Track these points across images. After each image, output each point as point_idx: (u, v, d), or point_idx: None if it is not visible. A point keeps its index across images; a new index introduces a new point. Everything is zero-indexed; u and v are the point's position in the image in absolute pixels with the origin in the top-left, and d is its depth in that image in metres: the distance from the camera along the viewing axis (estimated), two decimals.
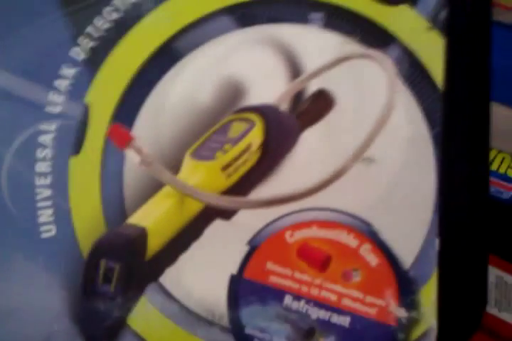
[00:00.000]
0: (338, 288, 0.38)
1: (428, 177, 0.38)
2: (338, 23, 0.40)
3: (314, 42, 0.40)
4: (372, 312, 0.37)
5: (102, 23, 0.40)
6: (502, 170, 0.64)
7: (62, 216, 0.39)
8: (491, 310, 0.54)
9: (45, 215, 0.39)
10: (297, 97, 0.40)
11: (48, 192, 0.39)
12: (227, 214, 0.39)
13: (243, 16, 0.40)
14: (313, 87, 0.40)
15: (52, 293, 0.39)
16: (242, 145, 0.39)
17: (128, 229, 0.38)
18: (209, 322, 0.38)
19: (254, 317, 0.38)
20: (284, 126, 0.39)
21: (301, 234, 0.38)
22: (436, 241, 0.37)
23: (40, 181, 0.39)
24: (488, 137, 0.40)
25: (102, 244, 0.38)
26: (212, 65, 0.40)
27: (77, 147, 0.39)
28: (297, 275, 0.38)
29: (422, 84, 0.39)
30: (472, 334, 0.39)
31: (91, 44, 0.40)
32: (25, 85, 0.39)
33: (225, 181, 0.38)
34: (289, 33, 0.40)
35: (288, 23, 0.40)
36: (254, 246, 0.38)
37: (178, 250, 0.39)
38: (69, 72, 0.39)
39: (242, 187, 0.39)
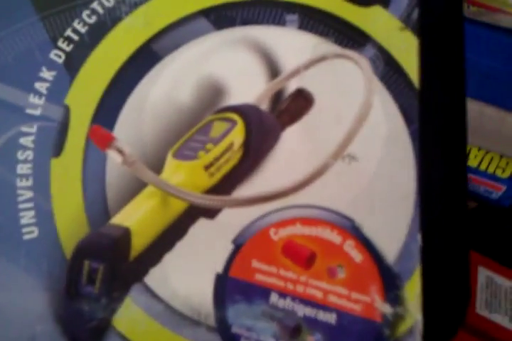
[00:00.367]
0: (324, 284, 0.38)
1: (408, 173, 0.38)
2: (313, 24, 0.40)
3: (291, 43, 0.40)
4: (357, 308, 0.38)
5: (81, 26, 0.40)
6: (491, 170, 0.65)
7: (45, 217, 0.39)
8: (482, 311, 0.54)
9: (27, 217, 0.39)
10: (276, 97, 0.40)
11: (29, 194, 0.39)
12: (211, 213, 0.39)
13: (219, 19, 0.40)
14: (291, 86, 0.40)
15: (36, 295, 0.38)
16: (223, 144, 0.39)
17: (111, 229, 0.38)
18: (195, 322, 0.38)
19: (240, 315, 0.38)
20: (265, 125, 0.39)
21: (285, 232, 0.38)
22: (419, 236, 0.37)
23: (21, 183, 0.39)
24: (465, 132, 0.41)
25: (85, 244, 0.38)
26: (191, 66, 0.40)
27: (58, 148, 0.39)
28: (282, 272, 0.38)
29: (398, 83, 0.39)
30: (457, 328, 0.40)
31: (70, 47, 0.40)
32: (6, 88, 0.39)
33: (208, 180, 0.39)
34: (266, 34, 0.40)
35: (264, 25, 0.40)
36: (239, 245, 0.38)
37: (163, 250, 0.39)
38: (49, 74, 0.40)
39: (225, 185, 0.39)
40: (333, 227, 0.38)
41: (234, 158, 0.39)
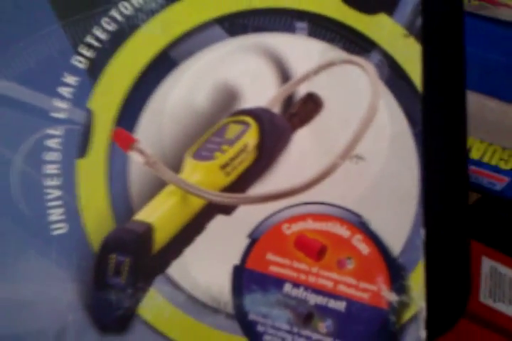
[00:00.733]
0: (334, 275, 0.40)
1: (412, 172, 0.40)
2: (322, 32, 0.42)
3: (300, 50, 0.42)
4: (365, 296, 0.40)
5: (100, 33, 0.41)
6: (493, 162, 0.66)
7: (72, 214, 0.41)
8: (486, 300, 0.55)
9: (56, 214, 0.41)
10: (287, 101, 0.42)
11: (57, 193, 0.41)
12: (227, 209, 0.41)
13: (232, 26, 0.42)
14: (302, 91, 0.42)
15: (66, 286, 0.40)
16: (238, 145, 0.41)
17: (135, 225, 0.40)
18: (215, 310, 0.41)
19: (256, 304, 0.40)
20: (277, 127, 0.41)
21: (297, 227, 0.40)
22: (422, 231, 0.40)
23: (49, 182, 0.41)
24: (466, 133, 0.43)
25: (112, 239, 0.40)
26: (206, 72, 0.42)
27: (83, 150, 0.41)
28: (295, 264, 0.40)
29: (402, 87, 0.41)
30: (459, 316, 0.42)
31: (91, 53, 0.41)
32: (31, 93, 0.41)
33: (224, 179, 0.41)
34: (277, 41, 0.42)
35: (275, 32, 0.42)
36: (254, 239, 0.41)
37: (183, 244, 0.41)
38: (72, 79, 0.41)
39: (240, 184, 0.41)
40: (342, 222, 0.40)
41: (248, 158, 0.41)
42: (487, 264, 0.58)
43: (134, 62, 0.42)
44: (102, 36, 0.41)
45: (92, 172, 0.41)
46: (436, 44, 0.42)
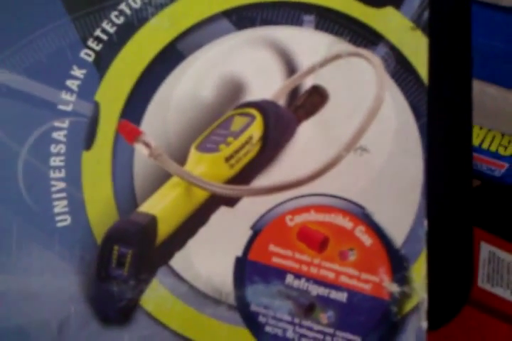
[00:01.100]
0: (336, 266, 0.40)
1: (416, 164, 0.40)
2: (329, 25, 0.42)
3: (307, 43, 0.42)
4: (367, 287, 0.40)
5: (109, 26, 0.42)
6: (493, 149, 0.65)
7: (77, 206, 0.41)
8: (485, 285, 0.55)
9: (60, 206, 0.41)
10: (293, 93, 0.42)
11: (62, 185, 0.41)
12: (231, 201, 0.41)
13: (240, 19, 0.42)
14: (307, 83, 0.42)
15: (69, 278, 0.41)
16: (243, 137, 0.41)
17: (139, 217, 0.40)
18: (216, 301, 0.41)
19: (258, 295, 0.40)
20: (282, 119, 0.41)
21: (300, 218, 0.40)
22: (425, 222, 0.39)
23: (54, 174, 0.41)
24: (471, 125, 0.43)
25: (115, 231, 0.40)
26: (213, 65, 0.42)
27: (89, 142, 0.42)
28: (297, 255, 0.40)
29: (408, 80, 0.41)
30: (461, 307, 0.41)
31: (100, 46, 0.42)
32: (39, 86, 0.41)
33: (229, 171, 0.41)
34: (284, 34, 0.42)
35: (282, 25, 0.42)
36: (257, 230, 0.41)
37: (187, 235, 0.41)
38: (79, 72, 0.42)
39: (244, 176, 0.41)
40: (345, 214, 0.40)
41: (253, 150, 0.41)
42: (486, 249, 0.58)
43: (142, 55, 0.42)
44: (111, 30, 0.42)
45: (97, 165, 0.41)
46: (443, 37, 0.42)
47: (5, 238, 0.41)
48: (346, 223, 0.40)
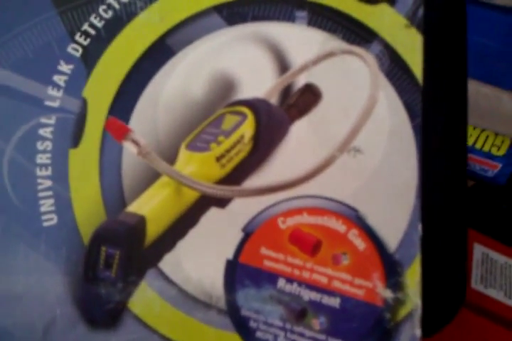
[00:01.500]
0: (328, 271, 0.39)
1: (410, 165, 0.39)
2: (322, 21, 0.41)
3: (300, 39, 0.41)
4: (360, 293, 0.39)
5: (97, 20, 0.41)
6: (486, 149, 0.65)
7: (63, 205, 0.41)
8: (478, 286, 0.55)
9: (47, 205, 0.40)
10: (285, 91, 0.41)
11: (48, 183, 0.41)
12: (222, 202, 0.40)
13: (231, 15, 0.41)
14: (300, 81, 0.41)
15: (55, 279, 0.40)
16: (234, 137, 0.40)
17: (127, 217, 0.39)
18: (206, 305, 0.40)
19: (249, 299, 0.40)
20: (274, 118, 0.41)
21: (292, 221, 0.40)
22: (419, 226, 0.39)
23: (41, 172, 0.40)
24: (466, 126, 0.42)
25: (103, 231, 0.40)
26: (203, 61, 0.41)
27: (76, 139, 0.41)
28: (289, 259, 0.39)
29: (402, 79, 0.40)
30: (455, 314, 0.41)
31: (87, 41, 0.41)
32: (25, 81, 0.41)
33: (220, 171, 0.40)
34: (276, 30, 0.41)
35: (274, 21, 0.41)
36: (248, 233, 0.40)
37: (176, 237, 0.40)
38: (67, 67, 0.41)
39: (235, 176, 0.41)
40: (338, 217, 0.39)
41: (244, 149, 0.40)
42: (479, 250, 0.58)
43: (130, 50, 0.41)
44: (99, 24, 0.41)
45: (84, 163, 0.41)
46: (438, 35, 0.41)
47: None
48: (339, 226, 0.39)
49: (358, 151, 0.39)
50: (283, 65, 0.41)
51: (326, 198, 0.40)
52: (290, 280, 0.40)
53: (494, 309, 0.55)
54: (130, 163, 0.41)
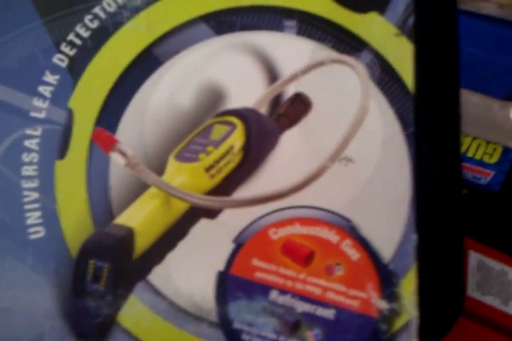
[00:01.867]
0: (322, 282, 0.39)
1: (403, 175, 0.39)
2: (311, 30, 0.41)
3: (289, 49, 0.41)
4: (355, 304, 0.39)
5: (83, 30, 0.40)
6: (478, 157, 0.65)
7: (50, 218, 0.40)
8: (474, 293, 0.55)
9: (33, 217, 0.40)
10: (275, 101, 0.41)
11: (35, 195, 0.40)
12: (212, 213, 0.40)
13: (219, 24, 0.41)
14: (290, 91, 0.41)
15: (43, 293, 0.39)
16: (224, 147, 0.40)
17: (115, 229, 0.39)
18: (198, 318, 0.39)
19: (241, 311, 0.39)
20: (264, 128, 0.40)
21: (284, 231, 0.39)
22: (414, 236, 0.38)
23: (27, 184, 0.40)
24: (459, 134, 0.42)
25: (91, 244, 0.39)
26: (191, 71, 0.41)
27: (63, 151, 0.40)
28: (282, 270, 0.39)
29: (393, 88, 0.40)
30: (454, 323, 0.41)
31: (73, 51, 0.40)
32: (10, 91, 0.40)
33: (209, 182, 0.40)
34: (265, 39, 0.41)
35: (263, 31, 0.41)
36: (239, 244, 0.39)
37: (166, 249, 0.40)
38: (52, 78, 0.40)
39: (225, 187, 0.40)
40: (331, 227, 0.39)
41: (234, 160, 0.40)
42: (474, 258, 0.58)
43: (117, 60, 0.41)
44: (85, 34, 0.40)
45: (71, 174, 0.40)
46: (429, 43, 0.41)
47: None
48: (332, 236, 0.39)
49: (350, 161, 0.39)
50: (272, 74, 0.41)
51: (319, 208, 0.39)
52: (283, 291, 0.39)
53: (491, 316, 0.55)
54: (118, 174, 0.40)
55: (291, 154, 0.40)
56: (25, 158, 0.40)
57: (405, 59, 0.40)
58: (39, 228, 0.40)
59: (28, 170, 0.40)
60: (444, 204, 0.41)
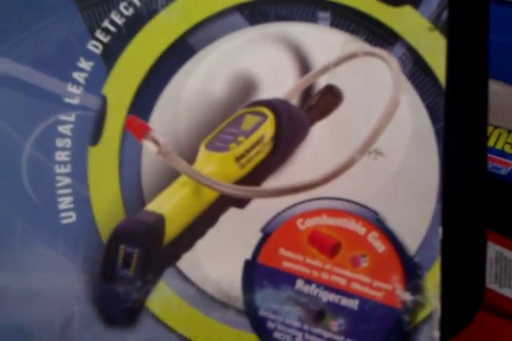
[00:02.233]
0: (347, 273, 0.39)
1: (431, 169, 0.39)
2: (345, 22, 0.41)
3: (322, 40, 0.41)
4: (379, 295, 0.39)
5: (118, 18, 0.41)
6: (499, 146, 0.65)
7: (82, 203, 0.41)
8: (492, 285, 0.55)
9: (65, 202, 0.40)
10: (306, 92, 0.41)
11: (67, 180, 0.40)
12: (241, 202, 0.40)
13: (253, 14, 0.41)
14: (321, 82, 0.41)
15: (73, 277, 0.40)
16: (254, 137, 0.40)
17: (146, 215, 0.39)
18: (224, 305, 0.40)
19: (267, 300, 0.40)
20: (295, 119, 0.41)
21: (311, 222, 0.39)
22: (440, 229, 0.39)
23: (60, 169, 0.40)
24: (486, 127, 0.42)
25: (122, 230, 0.40)
26: (224, 60, 0.41)
27: (96, 137, 0.41)
28: (308, 260, 0.39)
29: (425, 82, 0.40)
30: (473, 316, 0.41)
31: (108, 38, 0.41)
32: (45, 78, 0.41)
33: (239, 171, 0.40)
34: (298, 31, 0.41)
35: (296, 22, 0.41)
36: (267, 233, 0.40)
37: (195, 236, 0.40)
38: (87, 64, 0.41)
39: (255, 177, 0.40)
40: (358, 219, 0.39)
41: (264, 150, 0.40)
42: (492, 249, 0.57)
43: (151, 48, 0.41)
44: (120, 21, 0.41)
45: (103, 160, 0.41)
46: (461, 38, 0.41)
47: (8, 234, 0.40)
48: (359, 228, 0.39)
49: (379, 154, 0.39)
50: (304, 65, 0.41)
51: (346, 200, 0.40)
52: (309, 281, 0.40)
53: (509, 308, 0.55)
54: (149, 161, 0.41)
55: (320, 146, 0.40)
56: (59, 143, 0.41)
57: (438, 53, 0.40)
58: (71, 213, 0.40)
59: (61, 156, 0.41)
60: (470, 198, 0.41)
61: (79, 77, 0.41)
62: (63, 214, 0.40)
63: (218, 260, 0.40)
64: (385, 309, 0.39)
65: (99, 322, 0.40)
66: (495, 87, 0.61)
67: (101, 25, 0.41)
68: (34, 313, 0.40)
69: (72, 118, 0.41)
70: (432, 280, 0.39)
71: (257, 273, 0.40)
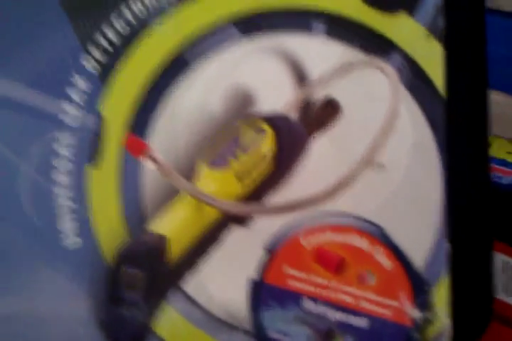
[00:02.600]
0: (354, 290, 0.39)
1: (434, 181, 0.39)
2: (340, 32, 0.40)
3: (318, 51, 0.40)
4: (388, 313, 0.39)
5: (112, 34, 0.40)
6: (500, 156, 0.65)
7: (85, 226, 0.41)
8: (499, 295, 0.55)
9: (67, 225, 0.40)
10: (304, 105, 0.41)
11: (68, 203, 0.40)
12: (243, 220, 0.40)
13: (248, 27, 0.41)
14: (319, 94, 0.40)
15: (79, 301, 0.40)
16: (254, 153, 0.40)
17: (149, 237, 0.39)
18: (232, 327, 0.40)
19: (274, 320, 0.39)
20: (294, 134, 0.40)
21: (315, 239, 0.39)
22: (446, 243, 0.38)
23: (59, 191, 0.40)
24: (488, 137, 0.42)
25: (125, 252, 0.40)
26: (221, 75, 0.41)
27: (94, 157, 0.40)
28: (314, 278, 0.39)
29: (424, 92, 0.39)
30: (485, 328, 0.41)
31: (102, 55, 0.40)
32: (39, 96, 0.40)
33: (240, 188, 0.40)
34: (293, 42, 0.40)
35: (291, 33, 0.40)
36: (270, 251, 0.40)
37: (198, 256, 0.40)
38: (82, 83, 0.40)
39: (256, 194, 0.40)
40: (362, 234, 0.39)
41: (264, 166, 0.40)
42: (499, 259, 0.57)
43: (146, 63, 0.41)
44: (114, 38, 0.40)
45: (103, 181, 0.40)
46: (459, 45, 0.40)
47: (13, 259, 0.40)
48: (364, 244, 0.39)
49: (381, 167, 0.39)
50: (300, 77, 0.40)
51: (349, 215, 0.39)
52: (315, 300, 0.39)
53: None
54: (150, 179, 0.40)
55: (321, 160, 0.40)
56: (57, 163, 0.41)
57: (435, 61, 0.39)
58: (74, 237, 0.40)
59: (59, 177, 0.40)
60: (475, 209, 0.41)
61: (74, 95, 0.41)
62: (65, 237, 0.40)
63: (223, 281, 0.40)
64: (394, 327, 0.39)
65: None
66: (494, 97, 0.61)
67: (95, 41, 0.41)
68: (41, 338, 0.40)
69: (68, 137, 0.40)
70: (440, 295, 0.38)
71: (262, 292, 0.39)
